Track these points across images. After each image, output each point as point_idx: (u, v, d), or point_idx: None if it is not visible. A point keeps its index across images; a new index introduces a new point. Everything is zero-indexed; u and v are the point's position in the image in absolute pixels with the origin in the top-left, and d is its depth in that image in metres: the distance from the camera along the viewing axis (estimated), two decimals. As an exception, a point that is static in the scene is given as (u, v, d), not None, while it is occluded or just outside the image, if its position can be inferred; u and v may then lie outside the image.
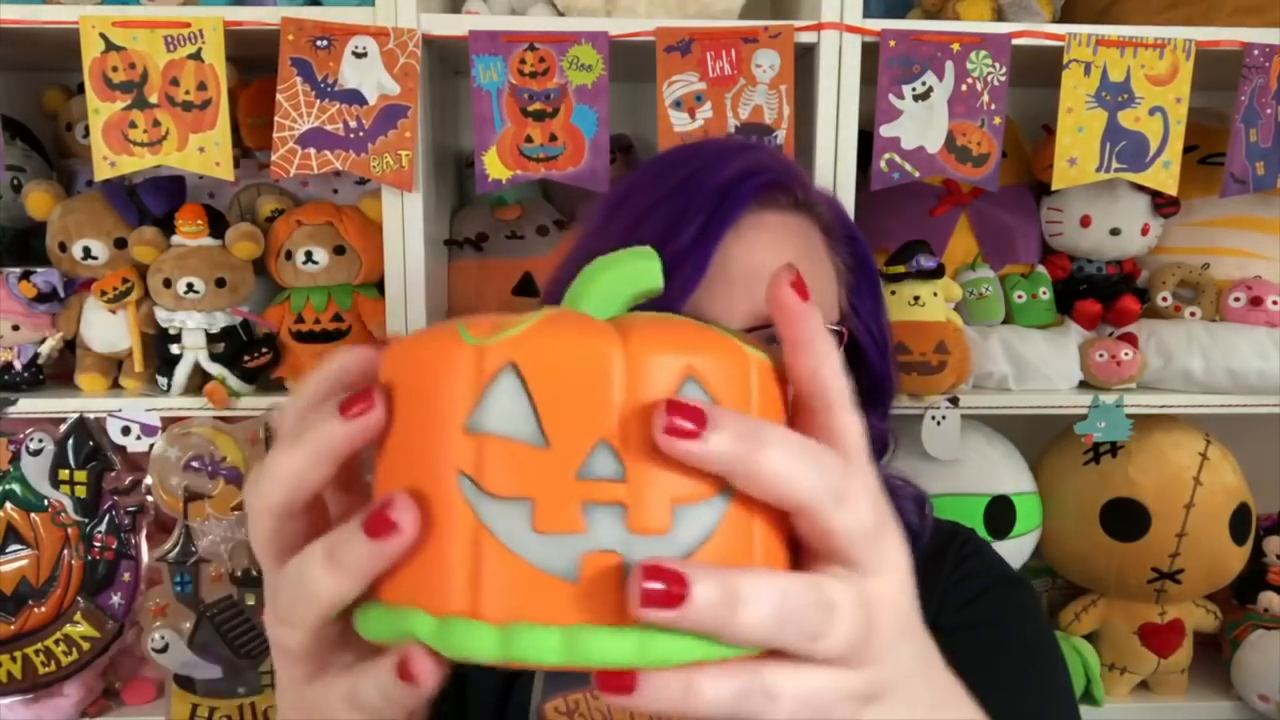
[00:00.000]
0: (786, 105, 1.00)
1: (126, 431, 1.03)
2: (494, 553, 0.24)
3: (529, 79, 0.99)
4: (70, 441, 1.05)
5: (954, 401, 1.08)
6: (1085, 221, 1.15)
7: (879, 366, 0.70)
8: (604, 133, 1.00)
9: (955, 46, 1.00)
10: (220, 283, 1.03)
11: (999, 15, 1.05)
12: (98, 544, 1.08)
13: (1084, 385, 1.14)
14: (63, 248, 1.04)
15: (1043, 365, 1.10)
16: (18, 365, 1.05)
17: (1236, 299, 1.14)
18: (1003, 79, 1.01)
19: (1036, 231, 1.20)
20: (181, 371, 1.04)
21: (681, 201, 0.61)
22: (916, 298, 1.05)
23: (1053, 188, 1.04)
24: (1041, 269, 1.19)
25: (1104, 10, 1.10)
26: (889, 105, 1.01)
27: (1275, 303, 1.13)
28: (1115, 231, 1.14)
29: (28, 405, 1.04)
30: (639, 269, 0.28)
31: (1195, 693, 1.23)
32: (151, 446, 1.04)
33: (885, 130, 1.01)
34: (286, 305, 1.09)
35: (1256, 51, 1.02)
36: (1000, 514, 1.14)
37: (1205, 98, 1.10)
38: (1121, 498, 1.14)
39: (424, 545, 0.25)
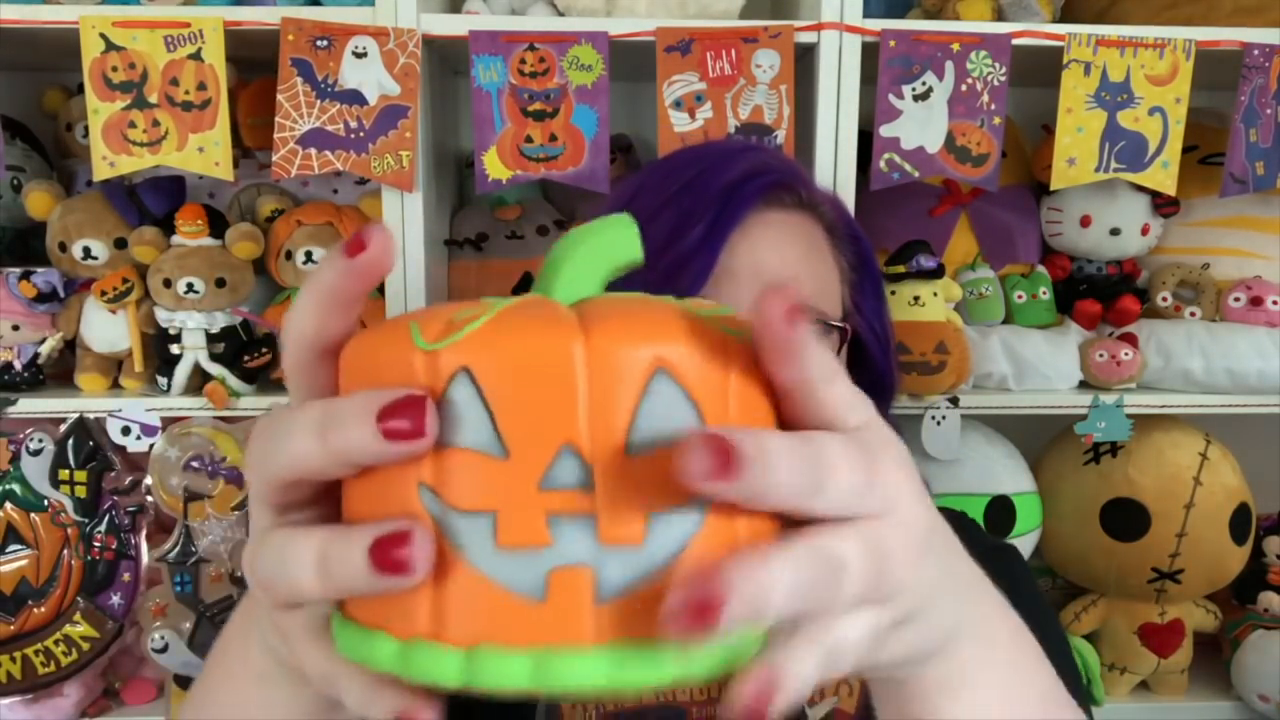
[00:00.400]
0: (786, 105, 1.00)
1: (126, 431, 1.03)
2: (457, 570, 0.23)
3: (529, 79, 0.99)
4: (70, 441, 1.05)
5: (954, 401, 1.08)
6: (1085, 221, 1.15)
7: (881, 364, 0.72)
8: (604, 133, 1.00)
9: (955, 46, 1.00)
10: (220, 283, 1.03)
11: (999, 15, 1.05)
12: (97, 544, 1.08)
13: (1084, 385, 1.14)
14: (63, 248, 1.04)
15: (1043, 365, 1.10)
16: (18, 365, 1.05)
17: (1236, 299, 1.14)
18: (1003, 79, 1.01)
19: (1036, 231, 1.20)
20: (181, 371, 1.04)
21: (688, 203, 0.62)
22: (916, 298, 1.05)
23: (1052, 188, 1.04)
24: (1041, 269, 1.19)
25: (1104, 10, 1.10)
26: (889, 105, 1.01)
27: (1275, 303, 1.13)
28: (1115, 231, 1.14)
29: (28, 405, 1.04)
30: (616, 239, 0.27)
31: (1195, 693, 1.23)
32: (151, 446, 1.04)
33: (885, 130, 1.01)
34: (286, 305, 1.09)
35: (1256, 51, 1.02)
36: (1000, 514, 1.14)
37: (1205, 98, 1.10)
38: (1121, 498, 1.15)
39: None
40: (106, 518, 1.08)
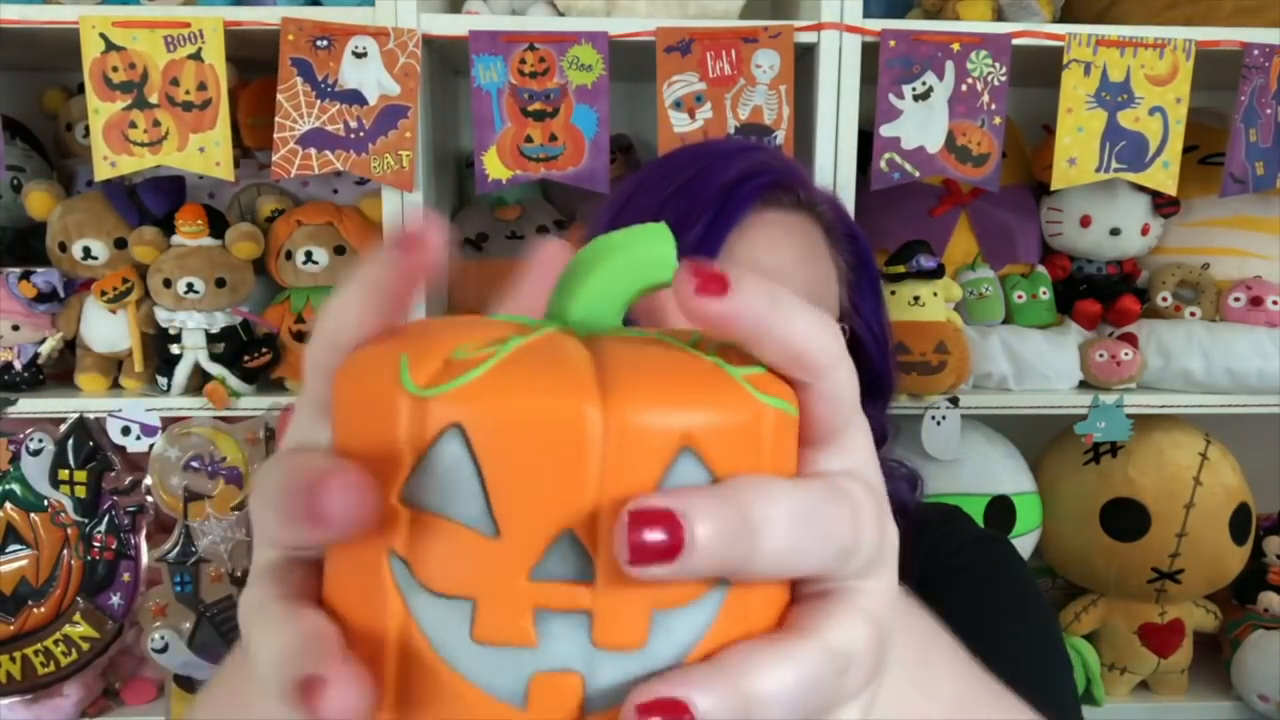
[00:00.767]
0: (786, 105, 1.00)
1: (126, 431, 1.03)
2: (425, 662, 0.19)
3: (529, 79, 0.99)
4: (70, 441, 1.05)
5: (954, 401, 1.08)
6: (1085, 221, 1.15)
7: (879, 363, 0.72)
8: (604, 133, 1.00)
9: (955, 46, 1.00)
10: (220, 283, 1.03)
11: (999, 15, 1.05)
12: (97, 544, 1.08)
13: (1084, 385, 1.14)
14: (63, 248, 1.04)
15: (1042, 365, 1.10)
16: (18, 365, 1.05)
17: (1236, 299, 1.14)
18: (1003, 79, 1.01)
19: (1036, 231, 1.20)
20: (181, 371, 1.04)
21: (687, 202, 0.62)
22: (916, 298, 1.05)
23: (1052, 188, 1.04)
24: (1041, 269, 1.19)
25: (1104, 10, 1.10)
26: (889, 105, 1.01)
27: (1275, 303, 1.13)
28: (1115, 231, 1.14)
29: (28, 405, 1.04)
30: (648, 259, 0.23)
31: (1195, 693, 1.23)
32: (151, 446, 1.04)
33: (885, 130, 1.01)
34: (286, 305, 1.09)
35: (1256, 51, 1.02)
36: (1000, 514, 1.14)
37: (1205, 98, 1.10)
38: (1121, 498, 1.15)
39: (354, 638, 0.20)
40: (106, 518, 1.08)
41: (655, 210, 0.63)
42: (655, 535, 0.18)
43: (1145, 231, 1.15)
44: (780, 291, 0.21)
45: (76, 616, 1.08)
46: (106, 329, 1.06)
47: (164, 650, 1.06)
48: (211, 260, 1.03)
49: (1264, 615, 1.23)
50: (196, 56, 0.96)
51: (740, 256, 0.62)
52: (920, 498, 0.79)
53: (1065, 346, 1.12)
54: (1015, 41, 1.01)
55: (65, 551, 1.08)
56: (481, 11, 1.02)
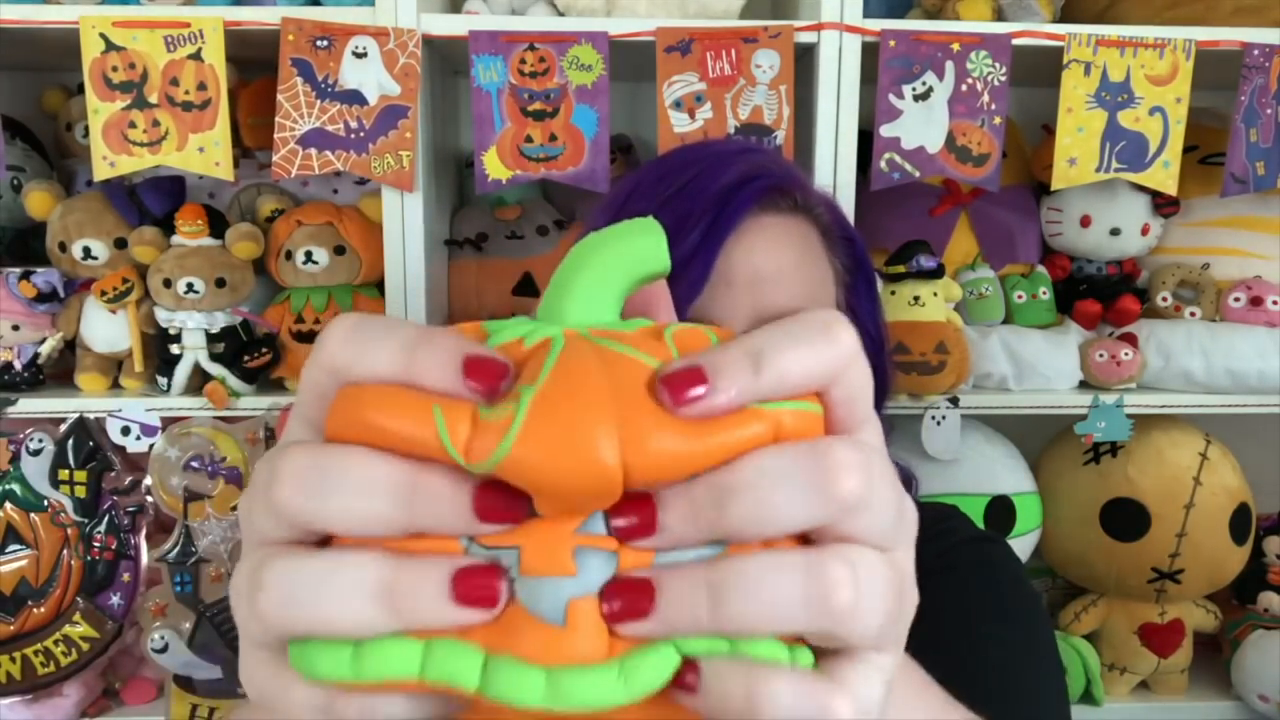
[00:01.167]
0: (786, 105, 1.00)
1: (126, 431, 1.03)
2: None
3: (529, 79, 0.99)
4: (70, 441, 1.05)
5: (954, 401, 1.08)
6: (1085, 221, 1.15)
7: (876, 364, 0.72)
8: (604, 133, 1.00)
9: (955, 46, 1.00)
10: (220, 283, 1.03)
11: (999, 15, 1.05)
12: (97, 544, 1.08)
13: (1084, 385, 1.14)
14: (63, 248, 1.04)
15: (1042, 365, 1.10)
16: (18, 365, 1.05)
17: (1236, 299, 1.14)
18: (1003, 79, 1.01)
19: (1036, 231, 1.20)
20: (181, 371, 1.04)
21: (684, 206, 0.62)
22: (916, 298, 1.05)
23: (1052, 188, 1.04)
24: (1041, 269, 1.19)
25: (1104, 10, 1.10)
26: (889, 105, 1.01)
27: (1275, 303, 1.13)
28: (1115, 231, 1.14)
29: (28, 405, 1.04)
30: (642, 250, 0.24)
31: (1195, 693, 1.23)
32: (151, 446, 1.04)
33: (885, 130, 1.01)
34: (286, 305, 1.09)
35: (1256, 51, 1.02)
36: (1000, 514, 1.14)
37: (1205, 98, 1.10)
38: (1121, 498, 1.15)
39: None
40: (106, 518, 1.08)
41: (652, 213, 0.63)
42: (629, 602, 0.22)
43: (1145, 231, 1.15)
44: (760, 342, 0.23)
45: (76, 616, 1.08)
46: (106, 329, 1.06)
47: (164, 650, 1.06)
48: (211, 260, 1.03)
49: (1264, 615, 1.23)
50: (196, 56, 0.96)
51: (737, 261, 0.62)
52: (914, 497, 0.80)
53: (1065, 346, 1.12)
54: (1015, 41, 1.01)
55: (65, 551, 1.08)
56: (481, 11, 1.02)
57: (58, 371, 1.10)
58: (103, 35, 0.95)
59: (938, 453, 1.08)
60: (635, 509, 0.22)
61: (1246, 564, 1.18)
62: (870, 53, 1.01)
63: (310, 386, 0.25)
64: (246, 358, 1.04)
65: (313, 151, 0.98)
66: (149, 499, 1.08)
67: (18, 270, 1.06)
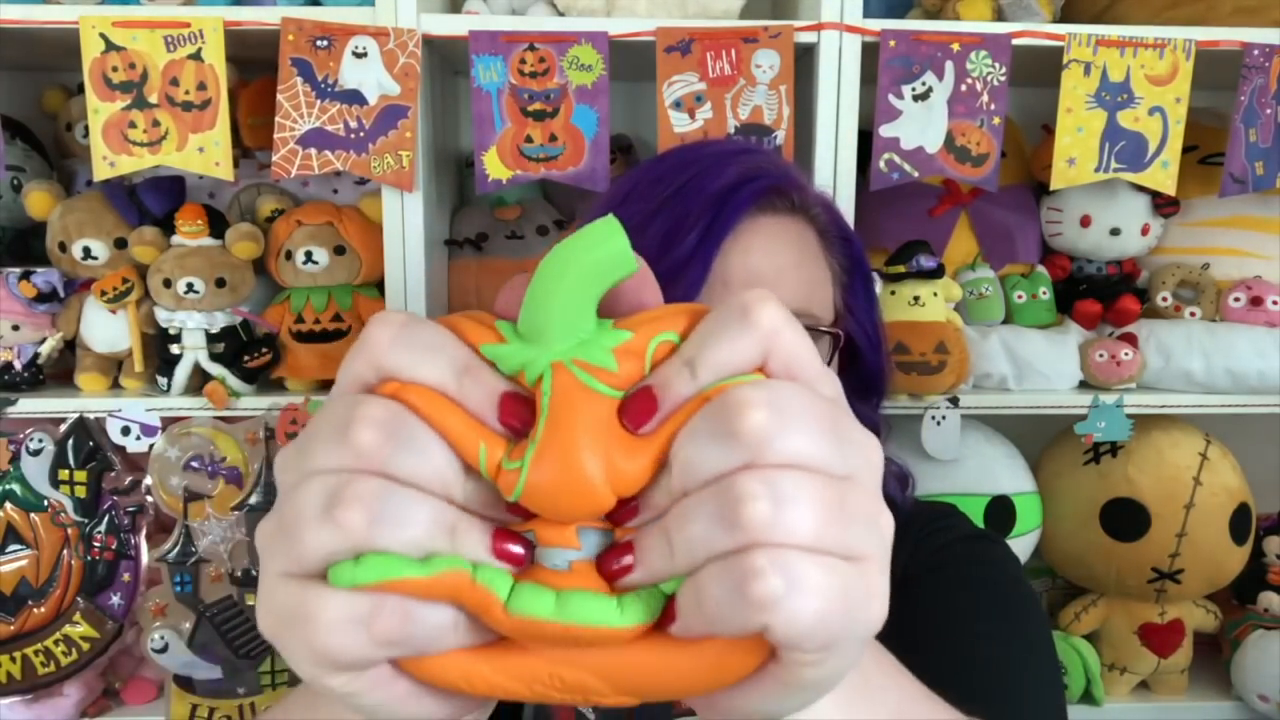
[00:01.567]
0: (786, 105, 1.00)
1: (126, 431, 1.03)
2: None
3: (529, 79, 0.99)
4: (70, 441, 1.05)
5: (954, 401, 1.08)
6: (1085, 221, 1.15)
7: (873, 363, 0.73)
8: (604, 133, 1.00)
9: (955, 46, 1.00)
10: (220, 283, 1.03)
11: (999, 15, 1.05)
12: (97, 544, 1.08)
13: (1084, 385, 1.14)
14: (63, 248, 1.04)
15: (1042, 365, 1.10)
16: (18, 365, 1.05)
17: (1236, 299, 1.14)
18: (1002, 79, 1.02)
19: (1036, 231, 1.20)
20: (181, 371, 1.04)
21: (681, 208, 0.62)
22: (916, 298, 1.05)
23: (1052, 188, 1.04)
24: (1041, 269, 1.19)
25: (1104, 10, 1.10)
26: (889, 105, 1.01)
27: (1275, 303, 1.13)
28: (1115, 231, 1.14)
29: (28, 405, 1.04)
30: (609, 260, 0.26)
31: (1195, 693, 1.23)
32: (151, 446, 1.04)
33: (885, 130, 1.01)
34: (286, 305, 1.09)
35: (1256, 51, 1.02)
36: (1000, 514, 1.14)
37: (1205, 98, 1.10)
38: (1121, 498, 1.15)
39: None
40: (106, 518, 1.08)
41: (649, 215, 0.63)
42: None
43: (1145, 231, 1.15)
44: (691, 349, 0.26)
45: (76, 616, 1.08)
46: (106, 329, 1.06)
47: (164, 650, 1.06)
48: (211, 260, 1.03)
49: (1264, 615, 1.23)
50: (196, 56, 0.96)
51: (735, 262, 0.62)
52: (911, 495, 0.80)
53: (1065, 346, 1.12)
54: (1015, 41, 1.01)
55: (65, 551, 1.08)
56: (481, 11, 1.02)
57: (58, 371, 1.10)
58: (103, 35, 0.95)
59: (937, 453, 1.08)
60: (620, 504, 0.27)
61: (1246, 564, 1.18)
62: (870, 53, 1.01)
63: (354, 379, 0.27)
64: (246, 358, 1.04)
65: (312, 151, 0.98)
66: (149, 499, 1.08)
67: (18, 270, 1.06)
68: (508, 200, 1.19)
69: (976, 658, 0.62)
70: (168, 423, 1.05)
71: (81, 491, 1.06)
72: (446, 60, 1.14)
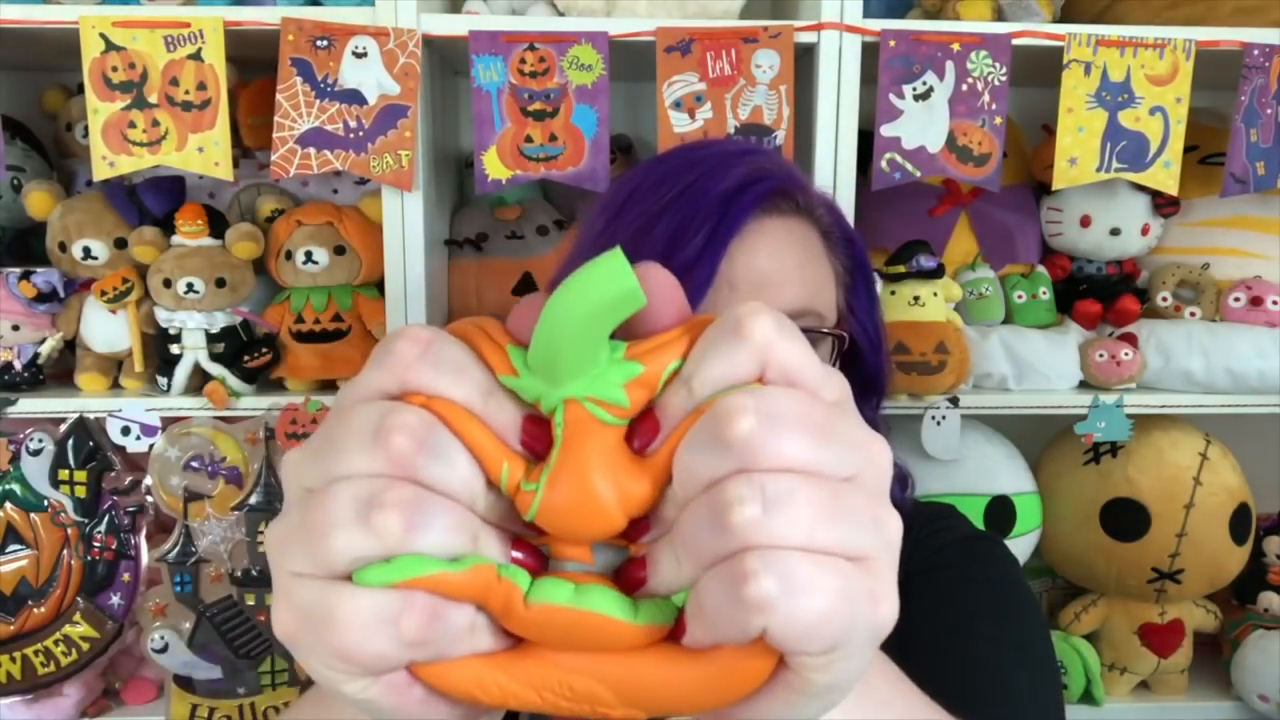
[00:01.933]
0: (786, 105, 1.00)
1: (126, 431, 1.03)
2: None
3: (529, 79, 0.99)
4: (70, 441, 1.05)
5: (954, 401, 1.08)
6: (1085, 221, 1.15)
7: (873, 363, 0.73)
8: (604, 133, 1.00)
9: (955, 46, 1.00)
10: (220, 283, 1.03)
11: (999, 15, 1.05)
12: (97, 544, 1.08)
13: (1084, 385, 1.14)
14: (63, 248, 1.04)
15: (1042, 365, 1.10)
16: (18, 365, 1.05)
17: (1236, 299, 1.14)
18: (1003, 79, 1.01)
19: (1036, 231, 1.20)
20: (181, 371, 1.04)
21: (686, 210, 0.62)
22: (916, 298, 1.05)
23: (1053, 188, 1.04)
24: (1041, 269, 1.19)
25: (1104, 10, 1.10)
26: (889, 105, 1.01)
27: (1275, 303, 1.13)
28: (1115, 231, 1.14)
29: (28, 405, 1.04)
30: (614, 299, 0.26)
31: (1195, 693, 1.23)
32: (151, 446, 1.04)
33: (885, 130, 1.01)
34: (286, 305, 1.09)
35: (1256, 51, 1.02)
36: (1000, 514, 1.14)
37: (1205, 98, 1.10)
38: (1121, 498, 1.15)
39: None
40: (106, 518, 1.08)
41: (654, 216, 0.63)
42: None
43: (1145, 231, 1.15)
44: (689, 369, 0.26)
45: (76, 616, 1.08)
46: (106, 329, 1.06)
47: (164, 650, 1.06)
48: (211, 260, 1.03)
49: (1264, 615, 1.23)
50: (196, 56, 0.96)
51: (741, 264, 0.62)
52: (911, 496, 0.80)
53: (1065, 346, 1.12)
54: (1015, 41, 1.01)
55: (65, 551, 1.08)
56: (481, 11, 1.02)
57: (58, 371, 1.10)
58: (103, 35, 0.95)
59: (937, 453, 1.08)
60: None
61: (1246, 564, 1.18)
62: (870, 53, 1.01)
63: (375, 389, 0.27)
64: (246, 358, 1.04)
65: (312, 151, 0.98)
66: (149, 499, 1.08)
67: (18, 270, 1.06)
68: (508, 200, 1.19)
69: (975, 659, 0.62)
70: (168, 423, 1.05)
71: (81, 491, 1.06)
72: (446, 60, 1.14)
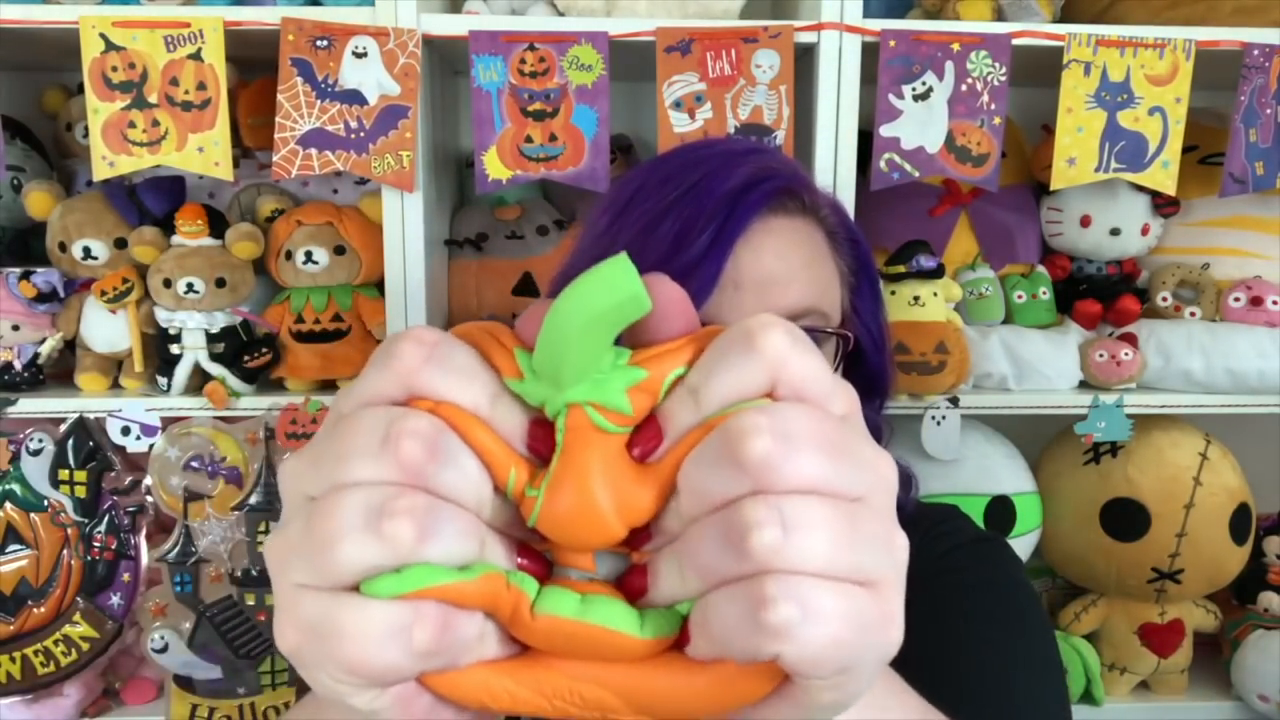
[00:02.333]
0: (786, 105, 1.00)
1: (126, 431, 1.03)
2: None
3: (529, 79, 0.99)
4: (70, 441, 1.05)
5: (954, 401, 1.08)
6: (1085, 221, 1.15)
7: (876, 364, 0.73)
8: (604, 133, 1.00)
9: (955, 46, 1.00)
10: (220, 283, 1.03)
11: (999, 15, 1.05)
12: (97, 544, 1.08)
13: (1084, 385, 1.14)
14: (63, 248, 1.04)
15: (1043, 365, 1.10)
16: (18, 365, 1.05)
17: (1236, 299, 1.14)
18: (1003, 79, 1.02)
19: (1036, 231, 1.20)
20: (181, 371, 1.04)
21: (691, 209, 0.62)
22: (916, 298, 1.05)
23: (1052, 188, 1.04)
24: (1041, 269, 1.19)
25: (1104, 10, 1.10)
26: (889, 105, 1.01)
27: (1275, 303, 1.13)
28: (1115, 231, 1.14)
29: (28, 405, 1.04)
30: (619, 305, 0.25)
31: (1195, 693, 1.23)
32: (151, 446, 1.04)
33: (885, 130, 1.01)
34: (286, 305, 1.09)
35: (1256, 51, 1.02)
36: (1000, 514, 1.14)
37: (1205, 98, 1.10)
38: (1121, 498, 1.15)
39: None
40: (106, 518, 1.08)
41: (658, 215, 0.63)
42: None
43: (1145, 231, 1.15)
44: (696, 378, 0.26)
45: (76, 616, 1.08)
46: (106, 329, 1.06)
47: (164, 650, 1.06)
48: (211, 260, 1.03)
49: (1264, 615, 1.23)
50: (196, 56, 0.96)
51: (746, 264, 0.62)
52: (915, 497, 0.80)
53: (1065, 346, 1.12)
54: (1015, 41, 1.01)
55: (65, 551, 1.08)
56: (481, 11, 1.02)
57: (58, 371, 1.10)
58: (103, 35, 0.95)
59: (937, 453, 1.08)
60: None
61: (1246, 564, 1.18)
62: (870, 53, 1.01)
63: (379, 394, 0.26)
64: (246, 358, 1.04)
65: (313, 151, 0.98)
66: (149, 499, 1.08)
67: (18, 270, 1.06)
68: (508, 200, 1.19)
69: (981, 665, 0.62)
70: (168, 423, 1.05)
71: (81, 491, 1.06)
72: (446, 60, 1.14)
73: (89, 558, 1.08)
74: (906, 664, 0.40)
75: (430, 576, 0.25)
